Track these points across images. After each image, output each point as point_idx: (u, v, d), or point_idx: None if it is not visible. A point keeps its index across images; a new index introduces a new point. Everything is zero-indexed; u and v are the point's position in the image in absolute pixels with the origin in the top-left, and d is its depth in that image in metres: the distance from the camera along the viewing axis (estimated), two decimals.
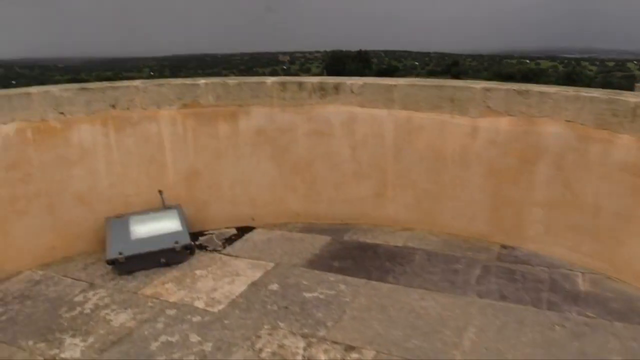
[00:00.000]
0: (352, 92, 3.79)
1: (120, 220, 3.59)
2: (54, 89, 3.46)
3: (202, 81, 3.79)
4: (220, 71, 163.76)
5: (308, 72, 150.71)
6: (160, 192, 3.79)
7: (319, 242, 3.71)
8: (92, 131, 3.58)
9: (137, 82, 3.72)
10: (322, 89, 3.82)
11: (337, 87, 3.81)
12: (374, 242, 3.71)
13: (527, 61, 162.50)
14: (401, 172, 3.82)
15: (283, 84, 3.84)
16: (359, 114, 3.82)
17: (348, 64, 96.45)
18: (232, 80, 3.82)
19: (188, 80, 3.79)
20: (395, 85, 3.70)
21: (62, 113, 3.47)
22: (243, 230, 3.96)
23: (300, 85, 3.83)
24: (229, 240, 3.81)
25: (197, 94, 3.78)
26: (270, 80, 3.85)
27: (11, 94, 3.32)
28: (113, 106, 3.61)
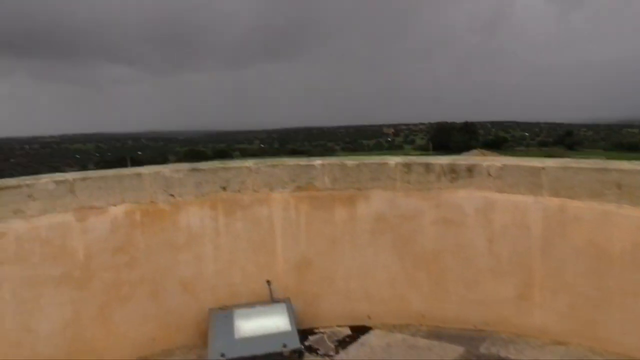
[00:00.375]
0: (489, 175, 3.25)
1: (225, 314, 3.24)
2: (165, 169, 3.28)
3: (317, 162, 3.45)
4: (325, 143, 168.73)
5: (412, 143, 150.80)
6: (268, 282, 3.42)
7: (450, 354, 3.09)
8: (201, 214, 3.34)
9: (249, 163, 3.46)
10: (452, 172, 3.33)
11: (470, 170, 3.30)
12: (518, 359, 3.02)
13: None
14: (552, 271, 3.15)
15: (408, 165, 3.40)
16: (498, 201, 3.25)
17: (454, 135, 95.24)
18: (350, 161, 3.45)
19: (303, 161, 3.48)
20: (542, 168, 3.12)
21: (171, 195, 3.27)
22: (358, 331, 3.44)
23: (428, 166, 3.37)
24: (343, 343, 3.30)
25: (312, 175, 3.44)
26: (393, 161, 3.43)
27: (123, 175, 3.17)
28: (224, 188, 3.36)
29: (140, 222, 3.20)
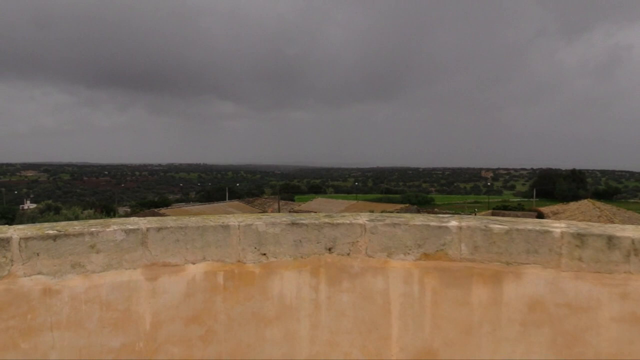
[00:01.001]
0: None
1: None
2: (258, 222, 2.60)
3: (452, 223, 2.62)
4: (420, 184, 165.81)
5: (512, 189, 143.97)
6: None
7: None
8: (298, 281, 2.61)
9: (363, 219, 2.70)
10: None
11: None
12: None
13: None
14: None
15: (580, 236, 2.46)
16: None
17: (559, 182, 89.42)
18: (497, 225, 2.58)
19: (433, 220, 2.66)
20: None
21: (264, 254, 2.58)
22: None
23: (611, 240, 2.42)
24: None
25: (445, 240, 2.60)
26: (558, 228, 2.51)
27: (206, 226, 2.53)
28: (329, 249, 2.62)
29: (222, 287, 2.53)
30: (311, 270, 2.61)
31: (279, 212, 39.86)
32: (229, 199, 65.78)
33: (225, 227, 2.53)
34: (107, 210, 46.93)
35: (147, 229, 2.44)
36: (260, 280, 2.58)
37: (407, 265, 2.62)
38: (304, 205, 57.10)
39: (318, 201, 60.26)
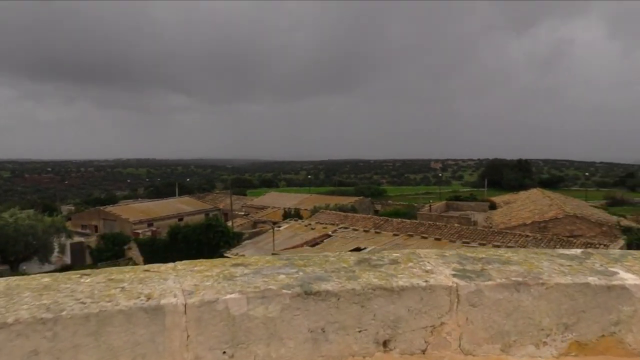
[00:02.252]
0: None
1: None
2: (231, 296, 1.17)
3: (629, 276, 1.28)
4: (372, 176, 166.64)
5: (461, 179, 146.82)
6: None
7: None
8: None
9: (445, 270, 1.32)
10: None
11: None
12: None
13: None
14: None
15: None
16: None
17: (506, 172, 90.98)
18: None
19: (588, 272, 1.31)
20: None
21: None
22: None
23: None
24: None
25: (619, 316, 1.26)
26: None
27: (107, 312, 1.09)
28: (384, 344, 1.23)
29: None
30: None
31: (231, 206, 37.95)
32: (179, 195, 63.05)
33: (155, 312, 1.09)
34: (49, 209, 43.74)
35: None
36: None
37: None
38: (256, 200, 55.25)
39: (271, 195, 58.55)
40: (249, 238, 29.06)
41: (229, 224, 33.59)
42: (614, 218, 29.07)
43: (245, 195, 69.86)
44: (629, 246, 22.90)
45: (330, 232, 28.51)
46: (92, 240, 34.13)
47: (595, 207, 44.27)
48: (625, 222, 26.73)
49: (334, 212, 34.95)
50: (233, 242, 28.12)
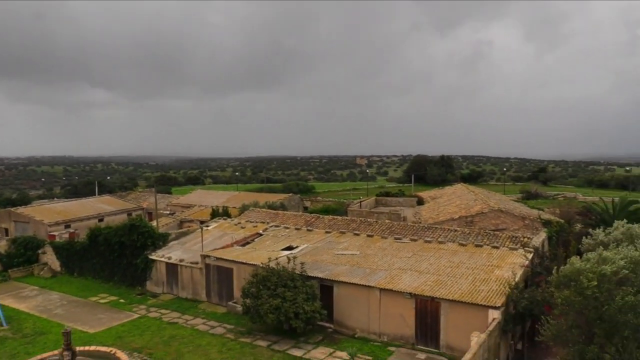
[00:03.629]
0: None
1: None
2: None
3: None
4: (299, 172, 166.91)
5: (386, 175, 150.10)
6: None
7: None
8: None
9: None
10: None
11: None
12: None
13: (615, 168, 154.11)
14: None
15: None
16: None
17: (430, 168, 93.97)
18: None
19: None
20: None
21: None
22: None
23: None
24: None
25: None
26: None
27: None
28: None
29: None
30: None
31: (156, 205, 36.44)
32: (99, 194, 60.07)
33: None
34: None
35: None
36: None
37: None
38: (182, 198, 53.53)
39: (197, 193, 56.98)
40: (176, 238, 27.93)
41: (154, 223, 32.19)
42: (535, 212, 30.50)
43: (170, 193, 67.75)
44: (550, 238, 24.03)
45: (261, 231, 27.90)
46: (2, 245, 31.58)
47: (515, 200, 46.46)
48: (545, 216, 28.08)
49: (263, 210, 34.36)
50: (159, 244, 26.90)
